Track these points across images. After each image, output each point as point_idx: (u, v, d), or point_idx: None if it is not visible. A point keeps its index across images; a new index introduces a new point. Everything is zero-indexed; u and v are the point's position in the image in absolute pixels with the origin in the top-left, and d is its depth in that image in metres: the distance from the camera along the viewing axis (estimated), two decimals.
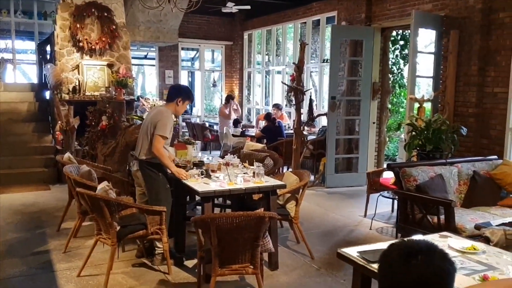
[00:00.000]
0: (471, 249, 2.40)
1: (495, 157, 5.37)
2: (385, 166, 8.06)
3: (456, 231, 4.08)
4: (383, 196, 5.62)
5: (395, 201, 5.59)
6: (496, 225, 2.89)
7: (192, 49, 14.62)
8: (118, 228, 3.87)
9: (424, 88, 10.73)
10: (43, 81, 9.91)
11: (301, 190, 4.43)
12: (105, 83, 8.78)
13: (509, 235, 2.66)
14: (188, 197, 5.07)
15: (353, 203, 6.56)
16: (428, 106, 6.78)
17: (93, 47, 8.73)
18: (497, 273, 2.13)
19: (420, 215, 4.47)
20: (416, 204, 4.54)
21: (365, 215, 5.84)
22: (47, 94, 9.41)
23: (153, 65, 12.99)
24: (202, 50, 12.79)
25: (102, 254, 4.34)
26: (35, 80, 11.01)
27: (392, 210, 5.99)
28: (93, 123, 6.85)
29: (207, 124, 12.05)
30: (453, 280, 1.30)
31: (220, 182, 4.03)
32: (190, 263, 4.27)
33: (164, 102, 7.00)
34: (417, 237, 2.58)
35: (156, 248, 4.27)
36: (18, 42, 12.16)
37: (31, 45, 12.05)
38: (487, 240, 2.72)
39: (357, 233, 5.28)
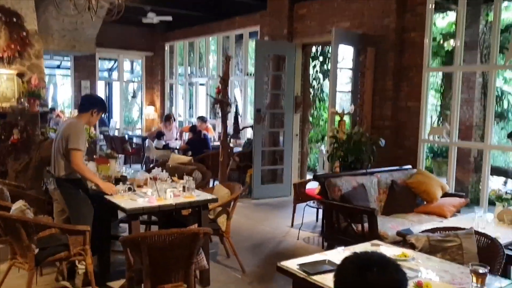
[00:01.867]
0: (402, 256, 2.53)
1: (410, 166, 5.76)
2: (307, 176, 8.33)
3: (379, 238, 4.29)
4: (309, 206, 5.77)
5: (320, 211, 5.77)
6: (420, 232, 3.08)
7: (110, 59, 14.09)
8: (36, 251, 3.56)
9: (338, 101, 11.29)
10: None
11: (232, 204, 4.41)
12: (15, 93, 8.12)
13: (433, 241, 2.84)
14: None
15: (280, 214, 6.67)
16: (347, 119, 7.10)
17: (1, 55, 8.06)
18: (428, 278, 2.26)
19: (345, 223, 4.65)
20: (341, 213, 4.72)
21: (292, 225, 5.95)
22: None
23: (68, 75, 12.31)
24: (121, 60, 12.37)
25: (18, 279, 3.96)
26: None
27: (317, 220, 6.17)
28: (2, 137, 6.30)
29: (126, 137, 11.61)
30: None
31: (148, 198, 3.88)
32: (116, 284, 4.04)
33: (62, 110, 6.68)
34: (361, 246, 2.67)
35: (77, 269, 4.00)
36: None
37: None
38: (412, 247, 2.88)
39: (286, 244, 5.36)
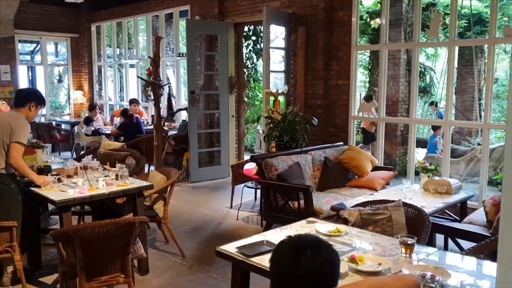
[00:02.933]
0: (336, 232, 2.62)
1: (341, 143, 5.96)
2: (245, 157, 8.38)
3: (315, 213, 4.43)
4: (247, 186, 5.82)
5: (258, 191, 5.85)
6: (352, 206, 3.20)
7: (32, 42, 13.17)
8: None
9: (272, 81, 11.39)
10: None
11: (169, 189, 4.33)
12: None
13: (364, 215, 2.97)
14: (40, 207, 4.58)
15: (218, 196, 6.67)
16: (282, 99, 7.18)
17: None
18: (361, 252, 2.36)
19: (282, 201, 4.76)
20: (278, 192, 4.82)
21: (231, 207, 5.98)
22: None
23: None
24: (44, 43, 11.61)
25: None
26: None
27: (256, 199, 6.25)
28: None
29: (54, 123, 11.00)
30: (338, 269, 1.40)
31: (79, 188, 3.71)
32: (49, 279, 3.87)
33: (4, 102, 6.23)
34: (287, 227, 2.72)
35: (5, 268, 3.77)
36: None
37: None
38: (345, 221, 3.00)
39: (225, 225, 5.38)
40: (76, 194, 3.61)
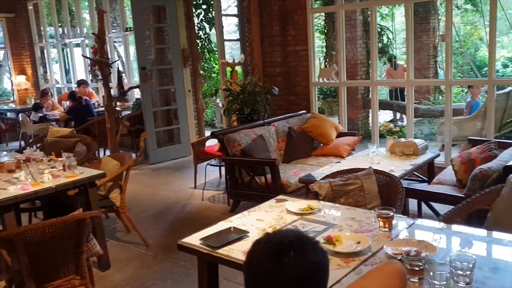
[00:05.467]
0: (308, 210, 2.42)
1: (304, 111, 5.77)
2: (206, 133, 8.06)
3: (283, 187, 4.25)
4: (210, 164, 5.55)
5: (222, 168, 5.60)
6: (321, 178, 3.01)
7: None
8: None
9: (228, 51, 11.00)
10: None
11: (124, 175, 4.01)
12: None
13: (335, 186, 2.78)
14: None
15: (181, 176, 6.37)
16: (239, 69, 6.88)
17: None
18: (336, 230, 2.17)
19: (248, 177, 4.55)
20: (243, 168, 4.60)
21: (195, 187, 5.71)
22: None
23: None
24: None
25: None
26: None
27: (220, 177, 6.01)
28: None
29: None
30: (328, 272, 1.17)
31: (21, 184, 3.34)
32: None
33: None
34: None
35: None
36: None
37: None
38: (316, 195, 2.80)
39: (191, 207, 5.12)
40: (18, 191, 3.24)
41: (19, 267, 2.66)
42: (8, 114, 10.41)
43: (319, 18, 10.46)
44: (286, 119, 5.41)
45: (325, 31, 10.49)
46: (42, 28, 10.72)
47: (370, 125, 7.44)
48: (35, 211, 4.67)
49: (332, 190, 2.81)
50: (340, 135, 5.39)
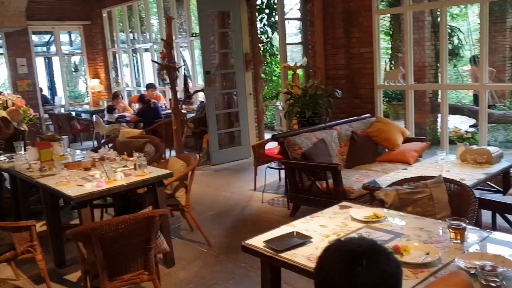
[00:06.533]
0: (373, 217, 2.37)
1: (369, 115, 5.64)
2: (266, 135, 8.13)
3: (345, 193, 4.19)
4: (270, 167, 5.58)
5: (282, 171, 5.61)
6: (387, 186, 2.94)
7: (46, 33, 13.05)
8: None
9: (289, 54, 11.02)
10: None
11: (189, 176, 4.14)
12: None
13: (402, 194, 2.71)
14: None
15: (241, 178, 6.47)
16: (301, 72, 6.87)
17: None
18: (404, 240, 2.11)
19: (309, 182, 4.52)
20: (303, 172, 4.58)
21: (255, 189, 5.78)
22: None
23: (1, 54, 11.33)
24: (57, 32, 11.45)
25: None
26: None
27: (280, 180, 6.02)
28: None
29: (73, 114, 10.94)
30: (400, 283, 1.14)
31: (96, 182, 3.55)
32: (74, 276, 3.76)
33: (18, 96, 6.11)
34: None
35: None
36: None
37: None
38: (381, 203, 2.74)
39: (251, 209, 5.19)
40: (94, 188, 3.45)
41: (94, 260, 2.83)
42: (83, 115, 11.07)
43: (385, 20, 10.21)
44: (349, 123, 5.32)
45: (391, 32, 10.22)
46: (114, 34, 11.32)
47: (439, 130, 7.14)
48: (106, 207, 4.94)
49: (399, 198, 2.74)
50: (406, 140, 5.22)
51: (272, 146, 5.95)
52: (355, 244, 1.14)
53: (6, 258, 3.38)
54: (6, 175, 5.04)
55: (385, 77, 6.25)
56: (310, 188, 4.50)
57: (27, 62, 10.71)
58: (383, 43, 10.32)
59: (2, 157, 4.86)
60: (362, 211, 2.46)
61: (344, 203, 2.69)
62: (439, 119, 7.40)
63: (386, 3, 8.97)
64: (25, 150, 4.73)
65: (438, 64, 7.24)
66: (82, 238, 2.86)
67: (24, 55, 10.67)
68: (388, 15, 9.75)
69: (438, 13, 6.43)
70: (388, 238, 2.14)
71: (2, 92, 8.19)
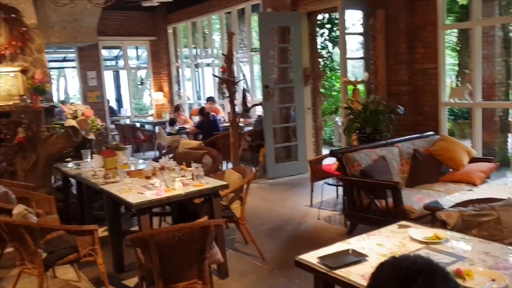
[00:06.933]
0: (434, 239, 2.26)
1: (432, 133, 5.43)
2: (323, 151, 8.04)
3: (405, 213, 4.03)
4: (327, 183, 5.50)
5: (340, 188, 5.51)
6: (451, 207, 2.79)
7: (115, 48, 13.82)
8: (44, 255, 3.40)
9: (350, 69, 10.87)
10: None
11: (245, 188, 4.17)
12: (21, 91, 7.96)
13: (466, 216, 2.56)
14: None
15: (297, 193, 6.42)
16: (361, 87, 6.76)
17: (2, 52, 7.87)
18: (467, 264, 1.99)
19: (367, 200, 4.40)
20: (362, 189, 4.46)
21: (311, 205, 5.71)
22: None
23: (74, 67, 12.11)
24: (125, 47, 12.09)
25: (31, 284, 3.83)
26: None
27: (337, 197, 5.91)
28: (8, 137, 6.13)
29: (137, 125, 11.44)
30: None
31: (156, 190, 3.66)
32: (131, 281, 3.88)
33: (88, 107, 6.48)
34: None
35: None
36: None
37: None
38: (443, 224, 2.61)
39: (306, 225, 5.12)
40: (153, 196, 3.56)
41: (150, 266, 2.91)
42: (146, 126, 11.54)
43: (451, 35, 9.84)
44: (411, 141, 5.13)
45: (458, 48, 9.82)
46: (178, 50, 11.78)
47: (510, 151, 6.72)
48: (164, 215, 5.08)
49: (462, 220, 2.59)
50: (472, 160, 4.95)
51: (330, 162, 5.86)
52: (411, 261, 1.08)
53: (69, 260, 3.55)
54: (73, 181, 5.32)
55: (450, 94, 6.00)
56: (368, 206, 4.38)
57: (96, 75, 11.38)
58: (449, 59, 9.93)
59: (70, 164, 5.16)
60: (422, 232, 2.35)
61: (403, 222, 2.59)
62: (509, 139, 6.97)
63: (453, 18, 8.65)
64: (91, 158, 4.99)
65: (510, 81, 6.85)
66: (140, 244, 2.95)
67: (94, 68, 11.35)
68: (456, 30, 9.39)
69: (511, 27, 6.10)
70: (449, 261, 2.02)
71: (73, 103, 8.75)
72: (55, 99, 10.88)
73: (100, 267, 3.55)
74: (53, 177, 6.33)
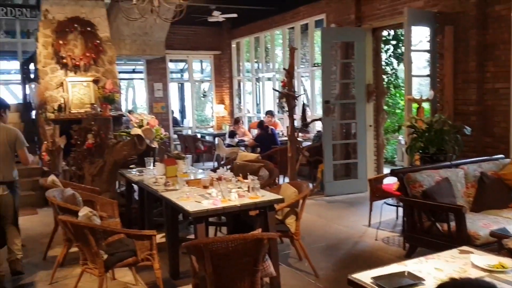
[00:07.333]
0: (499, 267, 2.12)
1: (502, 156, 5.12)
2: (384, 170, 7.82)
3: (469, 239, 3.82)
4: (387, 203, 5.33)
5: (400, 208, 5.32)
6: None
7: (180, 61, 14.36)
8: (105, 256, 3.56)
9: (416, 87, 10.52)
10: (28, 100, 9.59)
11: (300, 203, 4.14)
12: (92, 99, 8.47)
13: None
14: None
15: (355, 212, 6.28)
16: (426, 106, 6.53)
17: (77, 63, 8.44)
18: None
19: (429, 222, 4.21)
20: (423, 211, 4.29)
21: (369, 225, 5.55)
22: (33, 114, 9.09)
23: (142, 79, 12.72)
24: (190, 61, 12.53)
25: (91, 283, 4.01)
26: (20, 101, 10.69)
27: (397, 218, 5.71)
28: (78, 142, 6.53)
29: (198, 136, 11.75)
30: None
31: (213, 200, 3.73)
32: None
33: (153, 117, 6.76)
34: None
35: None
36: (2, 62, 11.82)
37: (15, 64, 11.72)
38: (510, 252, 2.45)
39: (363, 245, 4.98)
40: (210, 205, 3.63)
41: (204, 275, 2.96)
42: (207, 137, 11.83)
43: None
44: (478, 163, 4.87)
45: None
46: (240, 64, 12.03)
47: None
48: (220, 225, 5.15)
49: None
50: None
51: (390, 182, 5.69)
52: (474, 285, 1.02)
53: (128, 263, 3.70)
54: (135, 187, 5.55)
55: None
56: (429, 229, 4.19)
57: (162, 87, 11.87)
58: None
59: (134, 171, 5.39)
60: (486, 259, 2.22)
61: (464, 248, 2.46)
62: None
63: None
64: (153, 165, 5.18)
65: None
66: (195, 252, 3.00)
67: (161, 80, 11.86)
68: None
69: None
70: None
71: (141, 113, 9.16)
72: (123, 108, 11.43)
73: (157, 272, 3.66)
74: (117, 183, 6.65)
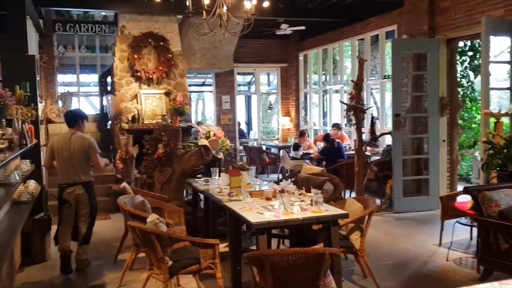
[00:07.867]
0: None
1: None
2: (458, 187, 7.39)
3: None
4: (459, 223, 5.02)
5: (474, 228, 4.98)
6: None
7: (248, 74, 14.60)
8: (170, 263, 3.65)
9: (496, 100, 9.87)
10: (105, 111, 10.19)
11: (366, 219, 4.01)
12: (163, 111, 8.83)
13: None
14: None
15: (425, 230, 5.97)
16: (505, 120, 6.09)
17: (150, 76, 8.86)
18: None
19: (506, 245, 3.90)
20: (500, 233, 3.98)
21: (440, 244, 5.25)
22: (108, 124, 9.64)
23: (211, 91, 13.08)
24: (258, 74, 12.69)
25: None
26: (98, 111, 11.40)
27: (471, 238, 5.35)
28: (149, 152, 6.82)
29: (264, 147, 11.82)
30: None
31: (275, 212, 3.72)
32: None
33: (219, 128, 6.91)
34: None
35: None
36: (83, 75, 12.69)
37: (94, 77, 12.55)
38: None
39: (432, 265, 4.71)
40: (272, 217, 3.62)
41: (264, 286, 2.94)
42: (272, 149, 11.87)
43: None
44: None
45: None
46: (307, 76, 11.99)
47: None
48: (283, 238, 5.11)
49: None
50: None
51: (464, 200, 5.36)
52: None
53: (191, 271, 3.77)
54: (201, 196, 5.67)
55: None
56: (507, 252, 3.88)
57: (230, 99, 12.11)
58: None
59: (200, 180, 5.52)
60: None
61: None
62: None
63: None
64: (219, 175, 5.27)
65: None
66: (256, 263, 3.00)
67: (228, 93, 12.12)
68: None
69: None
70: None
71: (208, 125, 9.41)
72: (193, 120, 11.80)
73: (219, 281, 3.70)
74: (185, 191, 6.84)
